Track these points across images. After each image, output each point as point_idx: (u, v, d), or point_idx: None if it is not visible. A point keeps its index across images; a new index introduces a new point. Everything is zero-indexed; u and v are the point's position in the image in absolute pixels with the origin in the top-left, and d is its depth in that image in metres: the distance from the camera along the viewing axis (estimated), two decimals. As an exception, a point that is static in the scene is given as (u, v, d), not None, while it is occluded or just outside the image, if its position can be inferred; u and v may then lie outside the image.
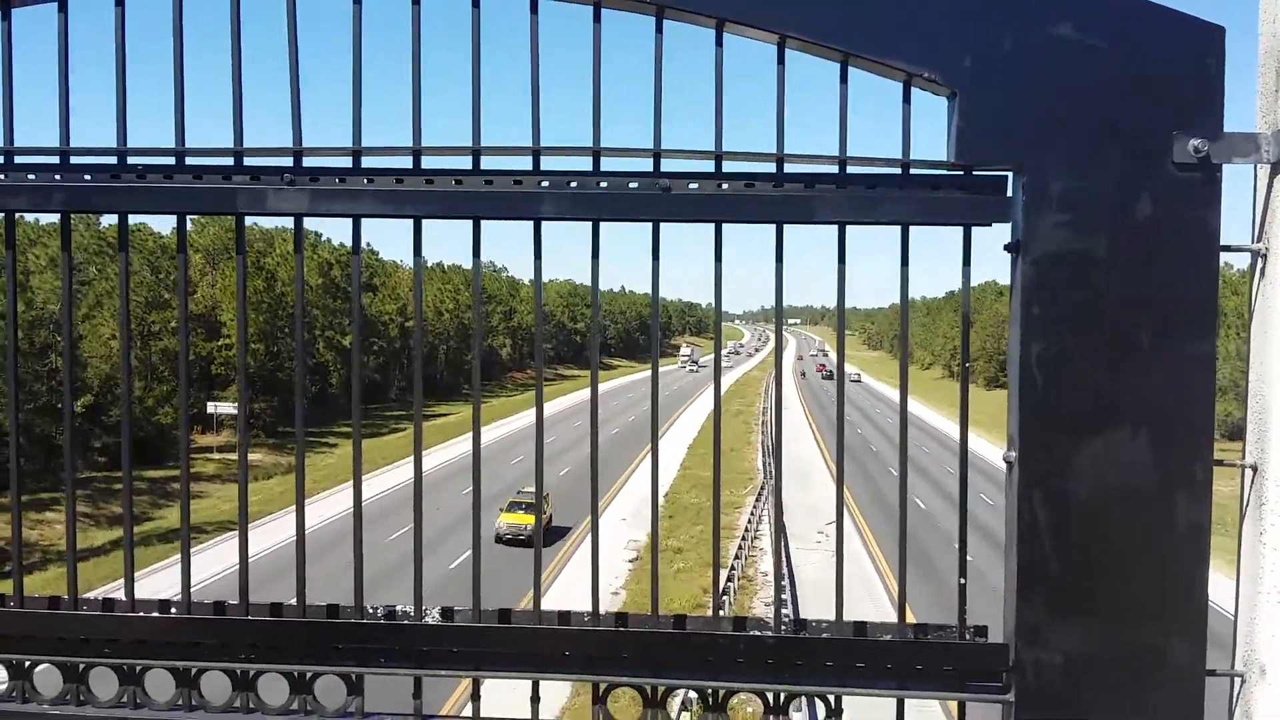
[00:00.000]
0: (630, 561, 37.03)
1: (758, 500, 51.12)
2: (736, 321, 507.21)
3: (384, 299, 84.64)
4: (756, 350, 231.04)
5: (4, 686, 2.84)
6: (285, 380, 66.15)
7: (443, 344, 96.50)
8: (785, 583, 35.12)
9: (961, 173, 2.64)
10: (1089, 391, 2.54)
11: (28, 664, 2.84)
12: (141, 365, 59.45)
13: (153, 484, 46.93)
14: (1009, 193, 2.62)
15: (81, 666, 2.82)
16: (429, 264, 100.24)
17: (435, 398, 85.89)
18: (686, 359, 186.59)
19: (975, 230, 2.69)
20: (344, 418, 69.51)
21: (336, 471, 46.47)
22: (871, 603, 30.35)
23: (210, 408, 60.70)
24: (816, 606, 31.13)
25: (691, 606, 30.93)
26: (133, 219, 3.06)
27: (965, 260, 2.70)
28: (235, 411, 58.96)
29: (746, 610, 33.88)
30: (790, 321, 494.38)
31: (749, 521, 45.96)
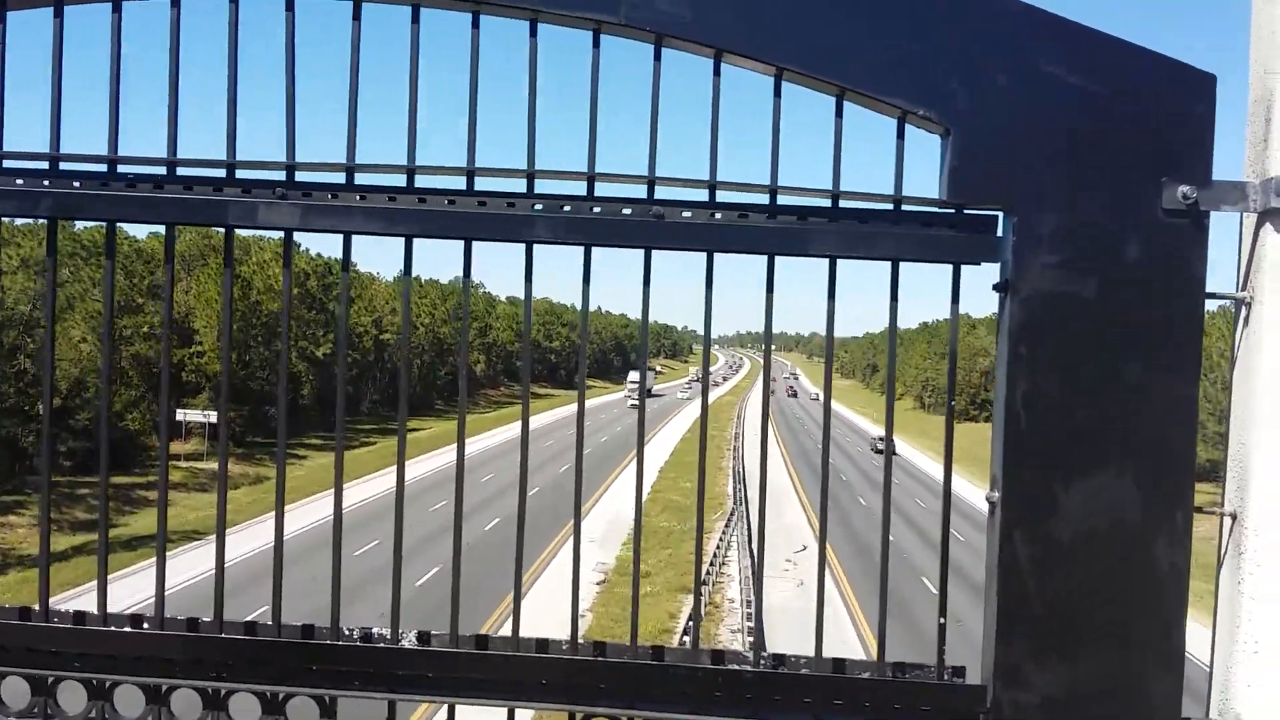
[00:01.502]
0: (598, 584, 36.88)
1: (727, 526, 51.06)
2: (711, 346, 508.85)
3: (359, 311, 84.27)
4: (724, 379, 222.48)
5: None
6: (256, 389, 65.67)
7: (417, 358, 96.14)
8: (751, 611, 35.07)
9: (953, 210, 2.66)
10: (1073, 432, 2.55)
11: None
12: (112, 369, 58.75)
13: (118, 490, 46.30)
14: (999, 232, 2.64)
15: (50, 679, 2.77)
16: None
17: (408, 412, 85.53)
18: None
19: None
20: (315, 429, 68.96)
21: (307, 484, 46.03)
22: (840, 639, 30.31)
23: (180, 415, 60.09)
24: (783, 633, 31.08)
25: (658, 630, 30.86)
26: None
27: (954, 298, 2.72)
28: (204, 419, 58.43)
29: (713, 636, 33.78)
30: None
31: (717, 547, 45.89)
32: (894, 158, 2.69)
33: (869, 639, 32.93)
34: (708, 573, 41.00)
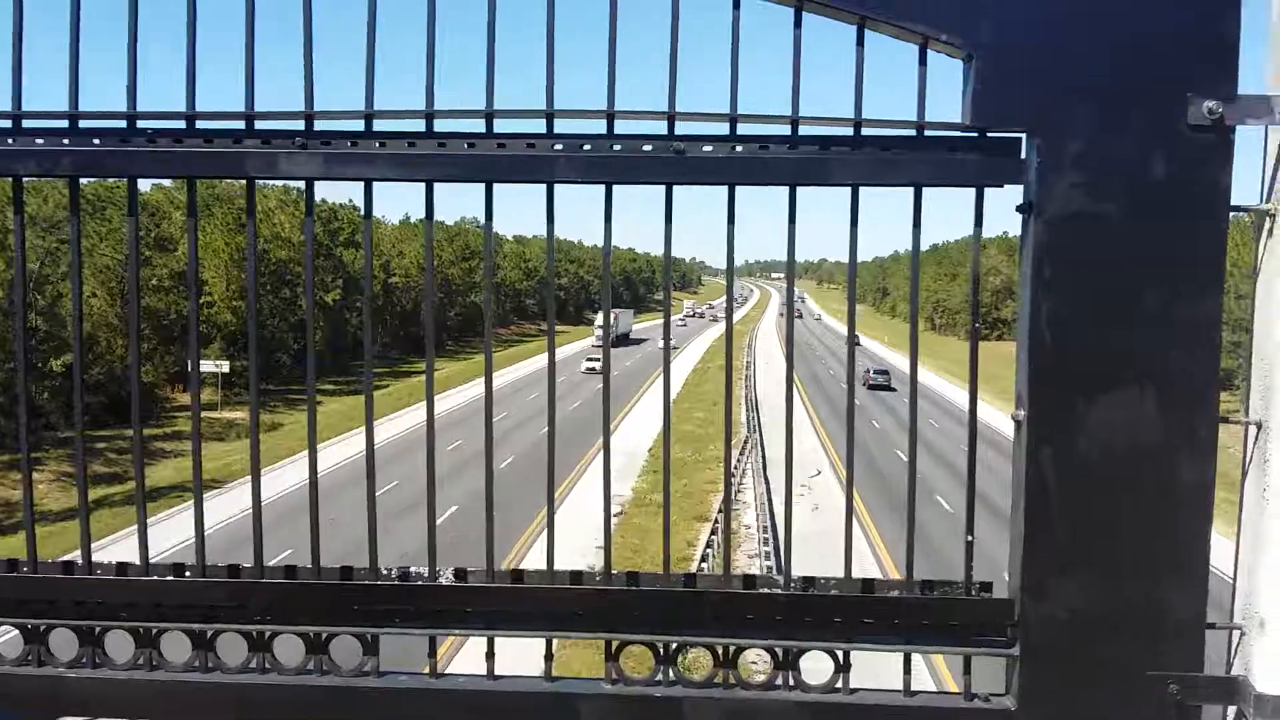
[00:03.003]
0: (616, 515, 37.34)
1: (741, 453, 51.46)
2: (720, 276, 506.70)
3: (363, 270, 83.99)
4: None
5: (20, 651, 2.86)
6: (266, 337, 65.73)
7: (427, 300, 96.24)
8: (768, 536, 35.49)
9: (976, 135, 2.65)
10: (1097, 350, 2.57)
11: (43, 628, 2.85)
12: (122, 323, 59.01)
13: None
14: (1023, 154, 2.63)
15: (97, 629, 2.84)
16: (410, 221, 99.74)
17: (419, 354, 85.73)
18: (691, 309, 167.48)
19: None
20: (327, 374, 69.18)
21: (322, 428, 46.31)
22: (858, 564, 30.71)
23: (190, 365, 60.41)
24: (799, 556, 31.41)
25: (677, 559, 31.14)
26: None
27: (978, 221, 2.72)
28: (216, 369, 58.66)
29: (731, 562, 34.18)
30: (773, 275, 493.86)
31: (733, 475, 46.33)
32: (915, 85, 2.68)
33: (884, 558, 33.32)
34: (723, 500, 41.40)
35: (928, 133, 2.67)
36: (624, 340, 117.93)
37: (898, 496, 37.52)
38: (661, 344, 2.81)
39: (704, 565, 29.88)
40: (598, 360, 70.59)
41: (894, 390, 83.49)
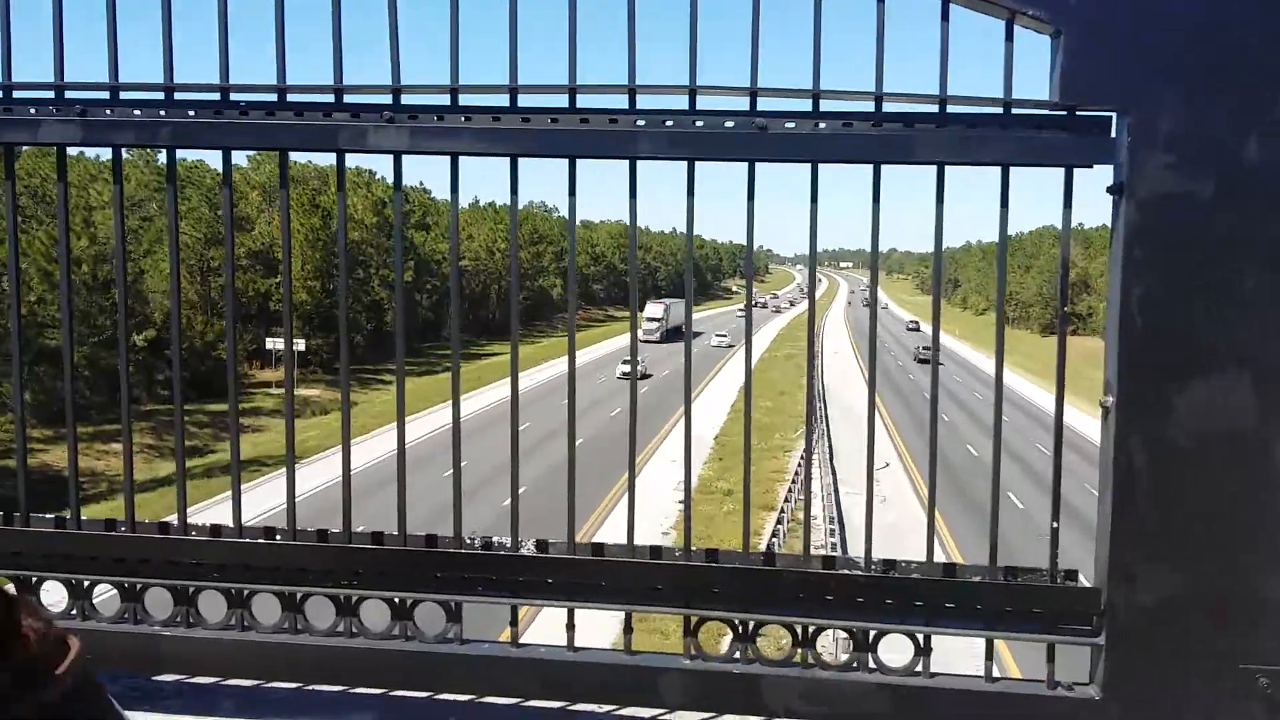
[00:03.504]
0: (681, 502, 37.31)
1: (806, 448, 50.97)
2: (786, 264, 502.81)
3: (436, 238, 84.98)
4: (792, 303, 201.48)
5: (117, 609, 2.96)
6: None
7: (494, 282, 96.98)
8: (835, 527, 35.21)
9: (1065, 113, 2.60)
10: (1190, 334, 2.52)
11: (139, 586, 2.95)
12: (201, 301, 60.47)
13: (216, 416, 47.88)
14: (1113, 133, 2.58)
15: (191, 590, 2.93)
16: (479, 204, 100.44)
17: (489, 336, 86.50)
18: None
19: (1025, 171, 2.66)
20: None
21: (393, 409, 46.88)
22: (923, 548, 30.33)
23: (269, 344, 61.67)
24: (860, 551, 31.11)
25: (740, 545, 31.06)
26: (189, 154, 3.12)
27: (1066, 203, 2.67)
28: (294, 347, 59.61)
29: (796, 551, 34.02)
30: (841, 265, 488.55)
31: (799, 465, 46.03)
32: (1002, 61, 2.64)
33: (953, 549, 32.89)
34: (789, 489, 41.21)
35: (1015, 111, 2.63)
36: (676, 335, 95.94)
37: (967, 488, 37.00)
38: (715, 340, 2.80)
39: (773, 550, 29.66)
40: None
41: (941, 365, 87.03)
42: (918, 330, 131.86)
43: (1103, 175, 2.64)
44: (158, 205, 53.39)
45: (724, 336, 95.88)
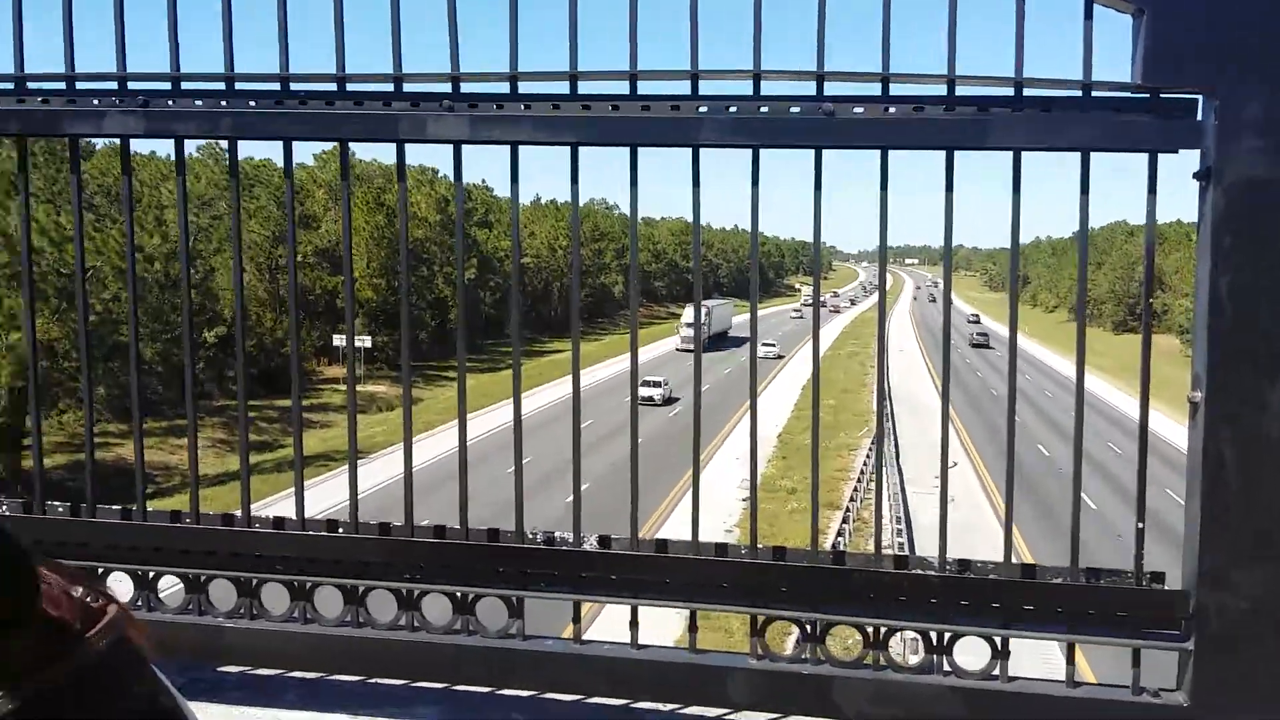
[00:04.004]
0: (743, 500, 37.05)
1: (874, 443, 50.50)
2: (850, 261, 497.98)
3: (499, 235, 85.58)
4: (853, 301, 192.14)
5: (181, 600, 2.97)
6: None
7: (556, 279, 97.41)
8: (902, 526, 34.78)
9: (1148, 95, 2.48)
10: None
11: (203, 578, 2.96)
12: (270, 298, 61.54)
13: (283, 413, 48.78)
14: (1199, 117, 2.45)
15: (255, 581, 2.93)
16: (541, 202, 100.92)
17: (550, 334, 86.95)
18: (808, 298, 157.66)
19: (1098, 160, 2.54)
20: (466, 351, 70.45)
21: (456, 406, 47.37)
22: (997, 555, 29.71)
23: (336, 340, 62.60)
24: (930, 550, 30.69)
25: (806, 544, 30.78)
26: (256, 153, 3.10)
27: (1151, 189, 2.55)
28: (358, 344, 60.43)
29: (864, 550, 33.66)
30: (907, 261, 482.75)
31: (864, 463, 45.57)
32: (1081, 42, 2.52)
33: (1022, 549, 32.32)
34: (855, 489, 40.79)
35: (1095, 93, 2.51)
36: (719, 341, 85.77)
37: (1038, 489, 36.26)
38: (761, 350, 2.71)
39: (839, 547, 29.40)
40: (656, 387, 56.55)
41: (992, 349, 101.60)
42: (978, 323, 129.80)
43: (1181, 164, 2.53)
44: (226, 204, 54.37)
45: (772, 345, 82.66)
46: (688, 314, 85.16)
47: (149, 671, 1.00)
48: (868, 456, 47.25)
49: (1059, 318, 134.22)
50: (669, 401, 57.15)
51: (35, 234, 33.23)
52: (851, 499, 39.31)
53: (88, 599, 0.96)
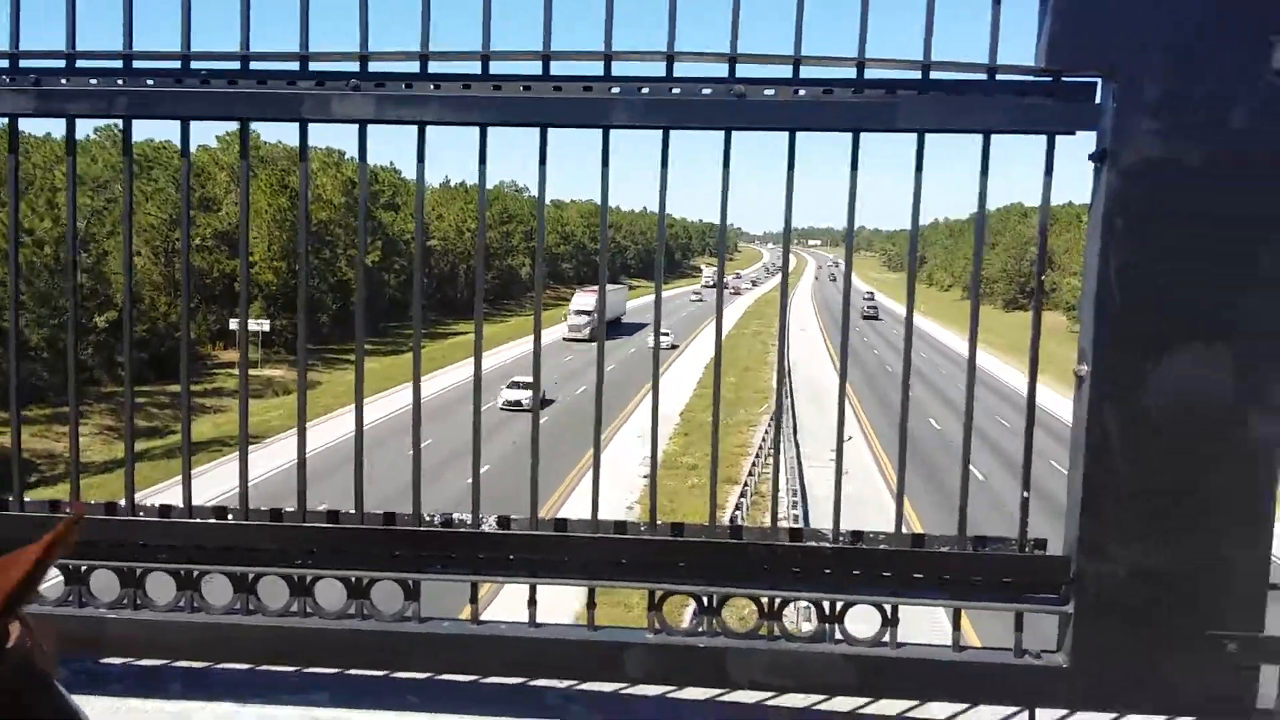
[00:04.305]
0: (645, 477, 37.25)
1: (772, 419, 51.34)
2: (755, 242, 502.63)
3: (404, 218, 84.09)
4: (754, 284, 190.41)
5: (61, 592, 2.86)
6: (309, 298, 66.04)
7: (463, 262, 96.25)
8: (797, 497, 35.41)
9: (1050, 79, 2.54)
10: (1169, 306, 2.48)
11: (84, 569, 2.85)
12: (165, 281, 59.56)
13: (175, 398, 47.20)
14: (1098, 99, 2.53)
15: (139, 571, 2.83)
16: (450, 184, 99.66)
17: (455, 315, 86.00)
18: (709, 279, 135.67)
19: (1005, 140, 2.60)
20: (367, 335, 69.24)
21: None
22: (889, 525, 30.35)
23: (233, 324, 60.96)
24: (825, 523, 31.23)
25: (705, 519, 31.08)
26: (156, 134, 2.99)
27: (1048, 170, 2.61)
28: (257, 328, 59.00)
29: (760, 523, 34.14)
30: (810, 243, 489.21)
31: (763, 439, 46.25)
32: (988, 27, 2.58)
33: (913, 520, 33.20)
34: (754, 464, 41.36)
35: (999, 77, 2.57)
36: (615, 328, 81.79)
37: (929, 461, 37.24)
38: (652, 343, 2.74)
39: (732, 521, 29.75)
40: (524, 390, 48.64)
41: (881, 320, 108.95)
42: (871, 299, 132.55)
43: (1075, 146, 2.60)
44: (121, 186, 52.51)
45: (666, 335, 72.46)
46: (577, 300, 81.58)
47: (54, 693, 0.95)
48: (767, 432, 47.98)
49: (953, 296, 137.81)
50: (546, 404, 49.07)
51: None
52: (750, 474, 39.88)
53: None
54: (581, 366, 53.71)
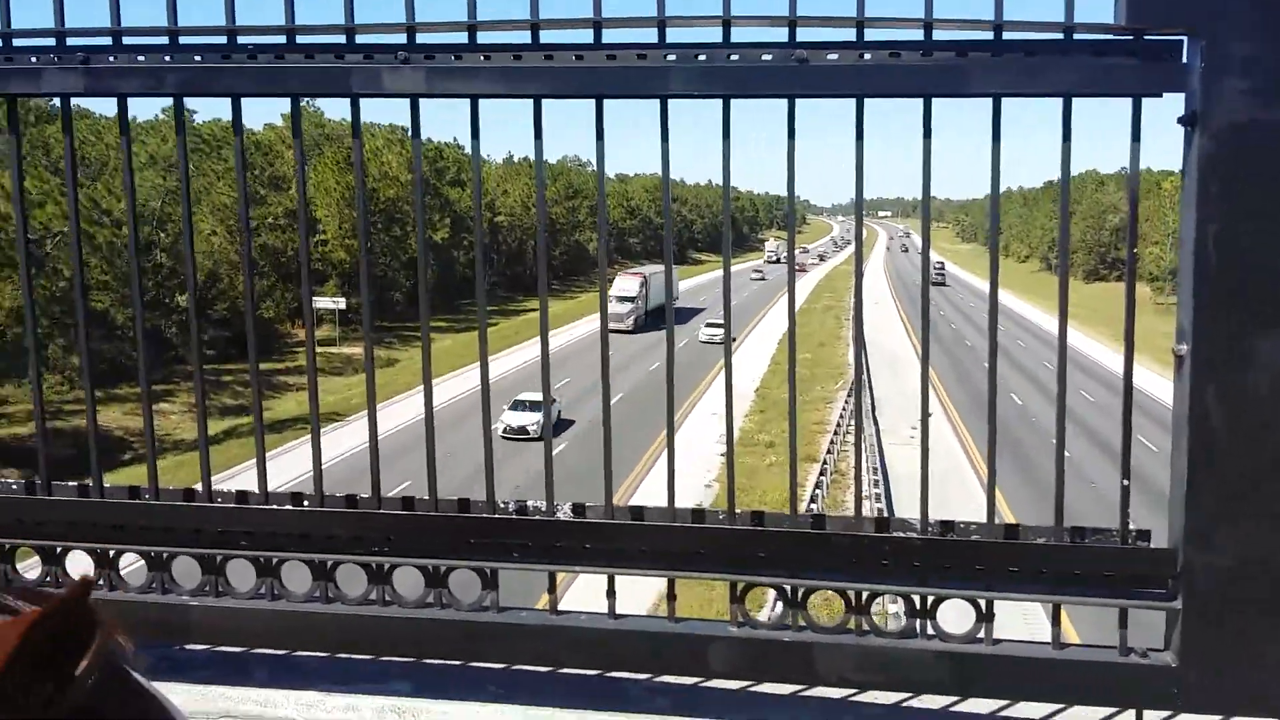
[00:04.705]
0: (722, 455, 37.08)
1: (847, 395, 50.87)
2: (824, 215, 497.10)
3: (472, 193, 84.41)
4: (822, 256, 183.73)
5: (144, 578, 2.88)
6: (379, 275, 66.99)
7: (530, 238, 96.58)
8: (878, 477, 35.03)
9: (1131, 38, 2.39)
10: (1272, 274, 2.32)
11: (165, 556, 2.86)
12: (242, 260, 60.65)
13: (259, 375, 48.25)
14: (1184, 59, 2.37)
15: (219, 558, 2.83)
16: (514, 160, 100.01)
17: (523, 292, 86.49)
18: (773, 254, 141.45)
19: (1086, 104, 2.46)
20: (438, 312, 70.08)
21: (435, 365, 47.14)
22: (972, 503, 29.69)
23: (319, 302, 62.03)
24: (910, 503, 30.83)
25: (784, 500, 30.94)
26: (224, 113, 2.98)
27: (1135, 136, 2.46)
28: (333, 305, 60.01)
29: (839, 502, 33.93)
30: (880, 214, 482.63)
31: (840, 416, 45.81)
32: None
33: (1001, 504, 32.61)
34: (832, 441, 41.02)
35: (1077, 36, 2.42)
36: (656, 317, 66.96)
37: (1011, 436, 36.56)
38: (705, 333, 2.62)
39: (814, 506, 29.59)
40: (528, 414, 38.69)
41: (947, 285, 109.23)
42: (943, 269, 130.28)
43: (1155, 108, 2.44)
44: (195, 165, 53.56)
45: (717, 328, 61.63)
46: (619, 284, 69.81)
47: (144, 695, 0.91)
48: (844, 407, 47.50)
49: (1031, 267, 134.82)
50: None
51: (1, 200, 32.64)
52: (828, 451, 39.52)
53: (67, 627, 0.86)
54: (631, 358, 45.62)
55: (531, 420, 38.20)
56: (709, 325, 64.67)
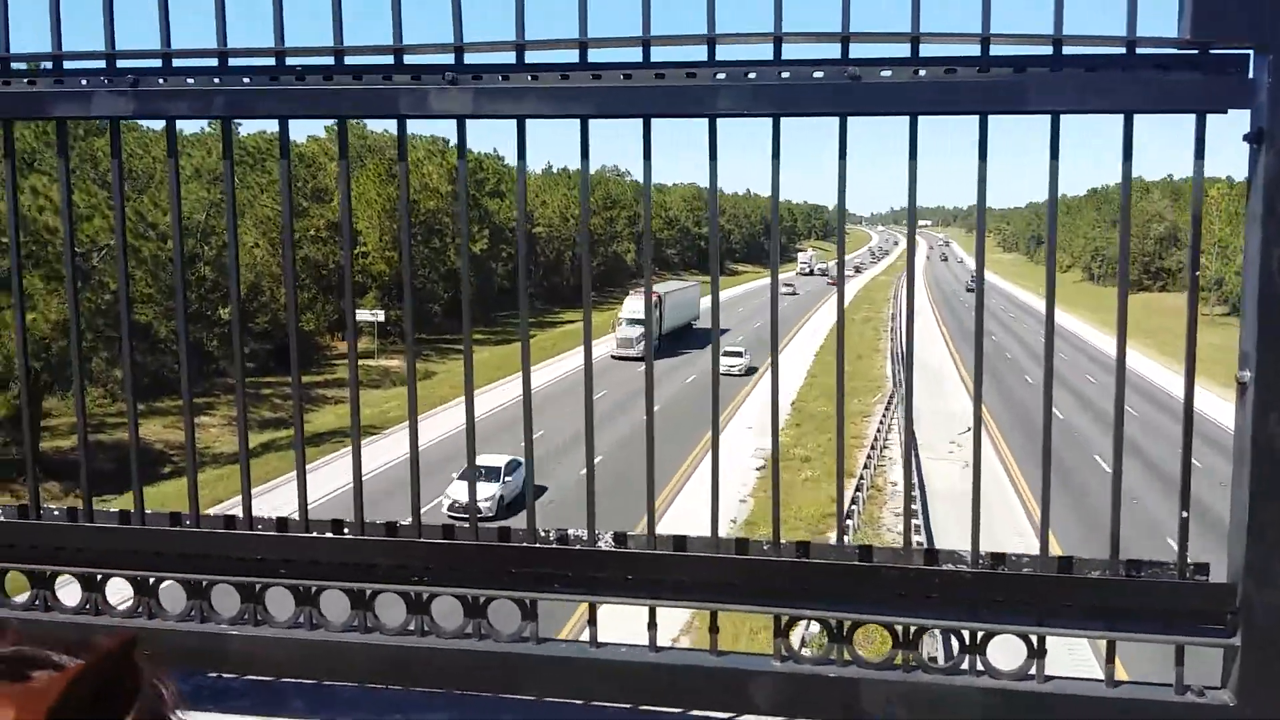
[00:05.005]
0: (758, 470, 36.98)
1: (886, 409, 50.40)
2: (863, 224, 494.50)
3: (511, 205, 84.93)
4: (857, 268, 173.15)
5: (183, 606, 2.87)
6: (418, 287, 67.37)
7: (568, 249, 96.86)
8: (916, 493, 34.63)
9: (1196, 51, 2.31)
10: None
11: (204, 583, 2.85)
12: (283, 273, 61.24)
13: (301, 389, 48.64)
14: (1250, 74, 2.29)
15: (258, 586, 2.82)
16: (553, 170, 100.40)
17: (563, 304, 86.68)
18: (805, 265, 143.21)
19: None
20: (476, 324, 70.07)
21: (474, 377, 47.36)
22: (1016, 534, 28.97)
23: (361, 315, 62.53)
24: (948, 521, 30.41)
25: (820, 515, 30.74)
26: (269, 126, 2.98)
27: (1199, 153, 2.38)
28: (372, 318, 60.46)
29: (876, 519, 33.60)
30: (921, 223, 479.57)
31: (877, 430, 45.40)
32: None
33: (1034, 512, 32.08)
34: (869, 456, 40.64)
35: (1139, 50, 2.35)
36: (677, 340, 64.02)
37: (1060, 465, 35.92)
38: (724, 363, 2.57)
39: (849, 522, 29.27)
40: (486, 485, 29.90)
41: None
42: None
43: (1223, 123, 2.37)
44: (239, 179, 54.19)
45: (740, 356, 56.20)
46: (628, 305, 62.82)
47: None
48: (881, 421, 47.07)
49: (1073, 277, 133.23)
50: (749, 372, 45.99)
51: (50, 213, 33.14)
52: (865, 466, 39.13)
53: (110, 682, 0.85)
54: (610, 408, 38.67)
55: (485, 496, 29.55)
56: (727, 354, 55.23)
